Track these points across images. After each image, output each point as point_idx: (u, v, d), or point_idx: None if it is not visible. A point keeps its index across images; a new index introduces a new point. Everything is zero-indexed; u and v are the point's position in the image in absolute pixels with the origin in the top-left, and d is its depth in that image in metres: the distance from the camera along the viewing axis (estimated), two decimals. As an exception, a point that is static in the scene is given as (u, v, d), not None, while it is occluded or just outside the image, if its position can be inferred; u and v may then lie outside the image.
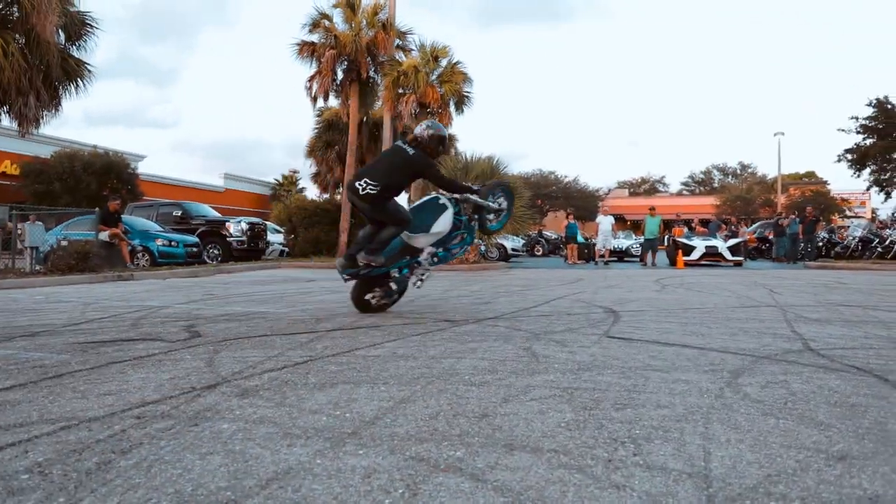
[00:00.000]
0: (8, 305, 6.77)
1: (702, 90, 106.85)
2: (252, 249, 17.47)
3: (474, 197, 5.67)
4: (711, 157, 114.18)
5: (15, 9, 12.56)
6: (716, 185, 65.40)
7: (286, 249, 20.33)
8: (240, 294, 8.07)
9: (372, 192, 5.25)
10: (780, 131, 44.31)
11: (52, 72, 12.95)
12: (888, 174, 16.98)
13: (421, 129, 5.56)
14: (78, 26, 13.72)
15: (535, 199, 38.40)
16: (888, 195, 18.13)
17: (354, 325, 4.99)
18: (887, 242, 18.34)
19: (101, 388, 2.88)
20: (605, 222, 18.50)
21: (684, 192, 67.88)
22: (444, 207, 5.65)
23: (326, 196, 29.04)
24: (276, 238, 20.74)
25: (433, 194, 5.88)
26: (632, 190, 66.10)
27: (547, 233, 29.79)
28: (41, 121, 13.39)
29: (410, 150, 5.48)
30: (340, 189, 28.45)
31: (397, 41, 19.25)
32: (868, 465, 1.88)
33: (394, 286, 5.69)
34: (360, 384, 2.96)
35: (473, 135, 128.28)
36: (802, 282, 10.41)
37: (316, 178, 29.41)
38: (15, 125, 13.33)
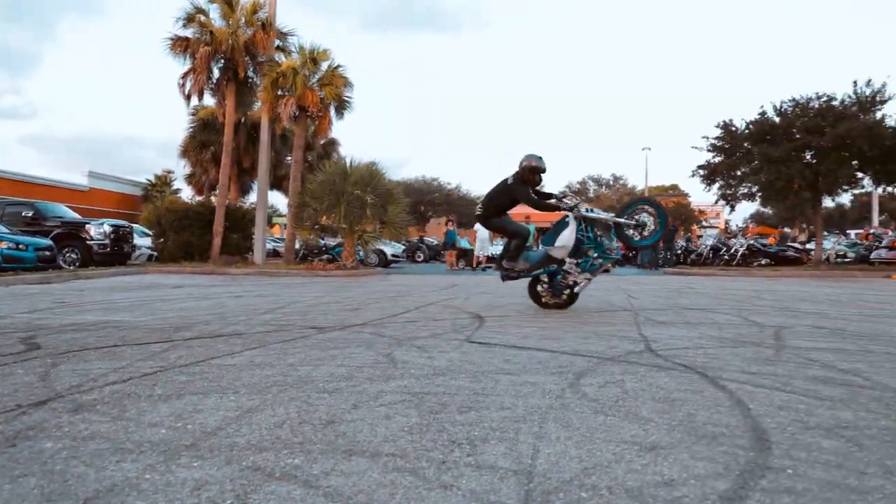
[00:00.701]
0: None
1: (579, 103, 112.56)
2: (116, 253, 16.33)
3: (593, 214, 6.56)
4: (588, 168, 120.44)
5: None
6: (591, 195, 68.97)
7: (155, 254, 19.19)
8: (96, 302, 7.54)
9: (478, 212, 7.03)
10: (648, 146, 47.54)
11: None
12: (732, 189, 18.73)
13: (520, 162, 6.69)
14: None
15: (417, 206, 38.75)
16: (732, 208, 20.01)
17: (215, 334, 4.83)
18: (732, 250, 20.23)
19: None
20: (482, 230, 18.98)
21: (561, 201, 70.99)
22: (565, 224, 6.56)
23: (201, 198, 27.77)
24: (143, 242, 19.54)
25: (567, 214, 6.67)
26: (512, 198, 68.25)
27: (428, 239, 30.12)
28: None
29: (510, 179, 6.72)
30: (216, 191, 27.29)
31: (277, 42, 18.77)
32: (671, 454, 2.08)
33: (553, 287, 6.70)
34: (209, 394, 2.88)
35: (358, 139, 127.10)
36: (659, 287, 11.23)
37: (190, 179, 28.03)
38: None
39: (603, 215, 6.62)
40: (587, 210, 6.61)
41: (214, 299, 7.97)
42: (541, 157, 6.75)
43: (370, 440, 2.23)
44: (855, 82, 17.78)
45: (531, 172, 6.67)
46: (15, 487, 1.77)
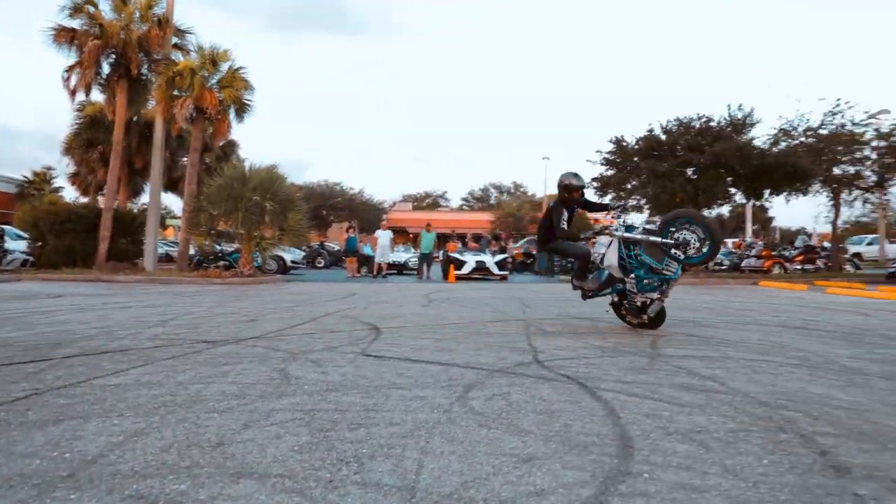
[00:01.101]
0: None
1: (484, 111, 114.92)
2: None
3: (628, 234, 6.30)
4: (490, 176, 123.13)
5: None
6: (492, 202, 70.61)
7: (31, 259, 17.83)
8: (-39, 314, 6.98)
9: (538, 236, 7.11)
10: (547, 156, 49.32)
11: None
12: (623, 201, 19.82)
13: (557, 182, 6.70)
14: None
15: (318, 210, 38.21)
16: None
17: (99, 350, 4.62)
18: (623, 259, 21.41)
19: None
20: (383, 237, 19.08)
21: (464, 207, 72.25)
22: (605, 245, 6.55)
23: (86, 200, 26.07)
24: (17, 245, 18.09)
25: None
26: (416, 204, 68.73)
27: (330, 244, 29.77)
28: None
29: (553, 202, 6.74)
30: (103, 192, 25.60)
31: (175, 39, 17.99)
32: (545, 464, 2.25)
33: (630, 307, 6.51)
34: (90, 418, 2.79)
35: (260, 141, 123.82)
36: (553, 296, 11.71)
37: (75, 178, 26.20)
38: None
39: (639, 235, 6.24)
40: (624, 229, 6.34)
41: (99, 311, 7.57)
42: (576, 174, 6.67)
43: (259, 461, 2.26)
44: (729, 106, 19.38)
45: (566, 191, 6.58)
46: None
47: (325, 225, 41.56)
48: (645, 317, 6.35)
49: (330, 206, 41.71)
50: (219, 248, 16.74)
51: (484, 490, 2.02)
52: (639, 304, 6.38)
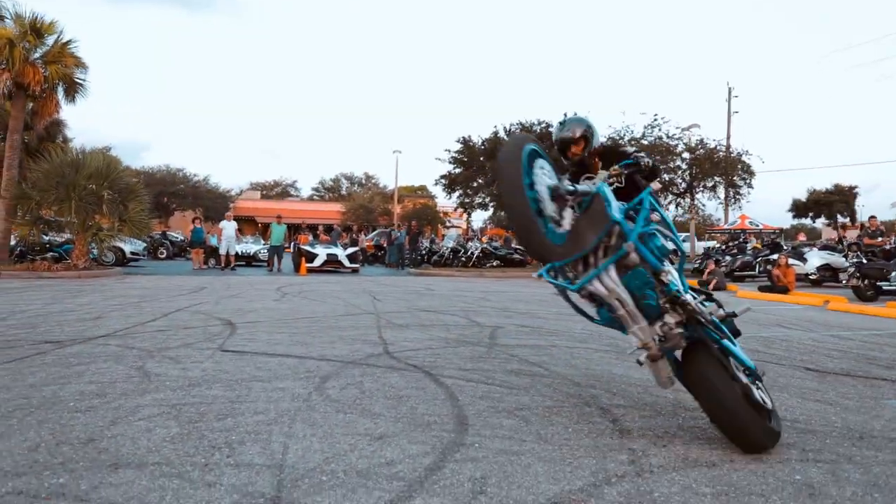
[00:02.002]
0: None
1: (334, 102, 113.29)
2: None
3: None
4: (341, 166, 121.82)
5: None
6: (343, 192, 70.23)
7: None
8: None
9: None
10: (399, 149, 50.06)
11: None
12: (470, 198, 20.93)
13: None
14: None
15: (160, 197, 35.99)
16: (469, 215, 22.33)
17: (-74, 353, 4.36)
18: (469, 252, 22.54)
19: None
20: (228, 227, 18.56)
21: (315, 197, 71.17)
22: None
23: None
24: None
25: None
26: (264, 193, 66.61)
27: (172, 234, 28.24)
28: None
29: None
30: None
31: (-14, 4, 16.17)
32: (394, 441, 2.67)
33: None
34: (-59, 423, 2.78)
35: (89, 119, 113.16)
36: (402, 289, 12.23)
37: None
38: None
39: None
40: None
41: None
42: (561, 122, 3.74)
43: (134, 452, 2.46)
44: (565, 113, 21.08)
45: (559, 152, 3.69)
46: None
47: (168, 213, 39.16)
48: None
49: (172, 193, 39.28)
50: (46, 238, 15.34)
51: (343, 463, 2.39)
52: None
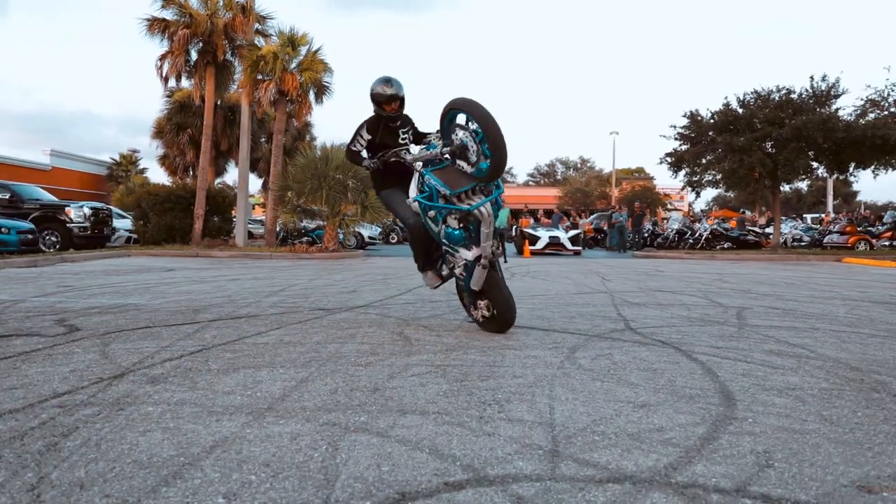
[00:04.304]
0: None
1: (549, 85, 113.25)
2: (96, 236, 16.40)
3: (414, 155, 4.51)
4: (556, 151, 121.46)
5: None
6: (559, 177, 70.08)
7: (133, 236, 19.23)
8: (99, 285, 7.84)
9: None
10: (615, 130, 48.66)
11: None
12: (698, 176, 19.55)
13: None
14: None
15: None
16: (698, 194, 20.93)
17: (233, 316, 5.24)
18: (696, 234, 21.17)
19: (3, 383, 3.00)
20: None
21: (531, 182, 72.01)
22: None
23: (173, 180, 27.64)
24: (121, 224, 19.56)
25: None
26: (483, 180, 68.91)
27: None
28: None
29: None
30: (190, 173, 27.22)
31: (257, 25, 18.84)
32: (659, 410, 2.63)
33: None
34: (259, 368, 3.33)
35: (330, 119, 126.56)
36: (629, 270, 11.89)
37: (164, 160, 27.89)
38: None
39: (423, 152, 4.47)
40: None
41: (212, 283, 8.32)
42: (387, 79, 4.50)
43: (415, 402, 2.72)
44: (812, 77, 18.71)
45: (375, 104, 4.55)
46: (148, 440, 2.22)
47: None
48: (481, 306, 4.45)
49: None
50: (302, 224, 17.60)
51: (612, 426, 2.41)
52: (456, 272, 4.54)
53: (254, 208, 33.44)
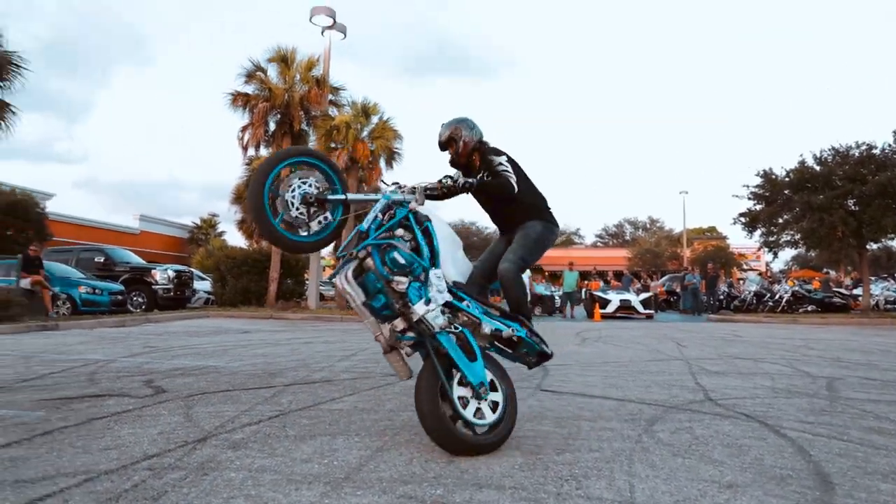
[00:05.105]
0: (-59, 359, 6.66)
1: (616, 145, 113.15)
2: (178, 298, 17.23)
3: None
4: (624, 212, 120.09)
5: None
6: (627, 237, 69.00)
7: (211, 297, 20.06)
8: (181, 346, 8.18)
9: None
10: (685, 190, 47.75)
11: (-25, 115, 12.67)
12: (775, 236, 18.85)
13: None
14: (4, 66, 13.52)
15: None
16: (776, 255, 20.12)
17: (308, 380, 5.35)
18: (777, 297, 20.24)
19: (99, 443, 3.16)
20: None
21: (598, 243, 71.11)
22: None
23: (250, 244, 28.85)
24: (201, 285, 20.47)
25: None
26: (550, 241, 68.56)
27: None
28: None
29: None
30: (266, 236, 28.13)
31: (330, 96, 19.83)
32: (748, 491, 2.50)
33: None
34: (335, 436, 3.37)
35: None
36: (705, 335, 11.47)
37: (241, 224, 29.24)
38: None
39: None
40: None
41: (286, 345, 8.53)
42: (443, 123, 3.96)
43: (490, 475, 2.69)
44: (895, 132, 17.97)
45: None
46: (234, 506, 2.28)
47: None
48: None
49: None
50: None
51: (697, 508, 2.31)
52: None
53: (324, 270, 34.37)
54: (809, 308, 19.84)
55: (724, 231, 58.08)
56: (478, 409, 3.10)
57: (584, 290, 20.85)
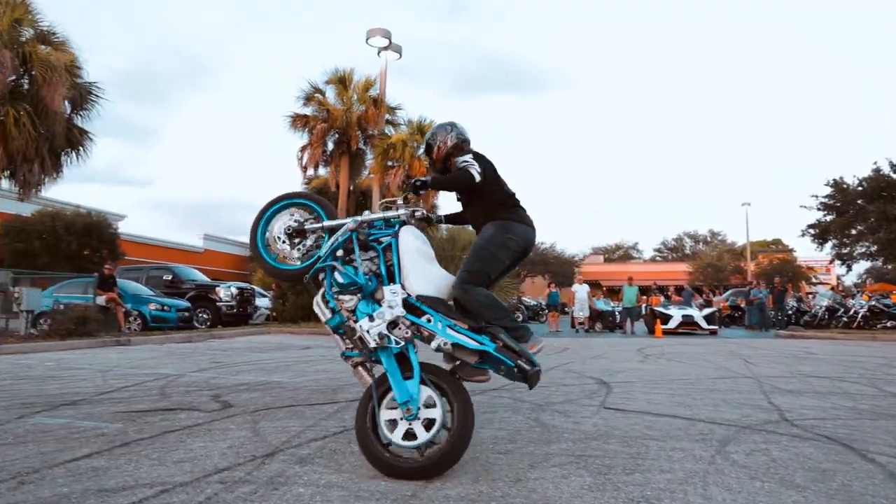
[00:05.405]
0: (25, 372, 7.02)
1: (673, 157, 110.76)
2: (241, 314, 17.72)
3: None
4: (682, 225, 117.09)
5: (26, 80, 13.14)
6: (687, 251, 67.24)
7: (273, 314, 20.53)
8: (245, 362, 8.38)
9: None
10: (747, 201, 46.11)
11: (56, 140, 13.44)
12: (848, 248, 18.02)
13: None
14: (84, 96, 14.30)
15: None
16: (849, 268, 19.23)
17: (370, 395, 5.38)
18: (852, 312, 19.26)
19: (173, 455, 3.25)
20: (580, 291, 19.21)
21: (657, 258, 69.57)
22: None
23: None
24: (262, 302, 20.97)
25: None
26: (606, 256, 67.52)
27: (526, 299, 30.35)
28: (42, 186, 13.78)
29: None
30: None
31: (387, 116, 20.18)
32: (836, 520, 2.36)
33: None
34: (400, 452, 3.37)
35: (453, 203, 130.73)
36: (774, 352, 11.01)
37: (300, 242, 29.96)
38: (15, 189, 13.75)
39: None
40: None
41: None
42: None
43: (559, 496, 2.63)
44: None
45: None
46: (304, 521, 2.30)
47: (519, 280, 42.49)
48: None
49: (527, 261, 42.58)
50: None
51: (781, 536, 2.19)
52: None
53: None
54: (888, 324, 18.79)
55: (791, 243, 55.96)
56: (408, 431, 2.95)
57: (644, 305, 20.37)
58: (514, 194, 3.70)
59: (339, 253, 3.40)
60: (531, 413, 4.58)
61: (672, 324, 17.59)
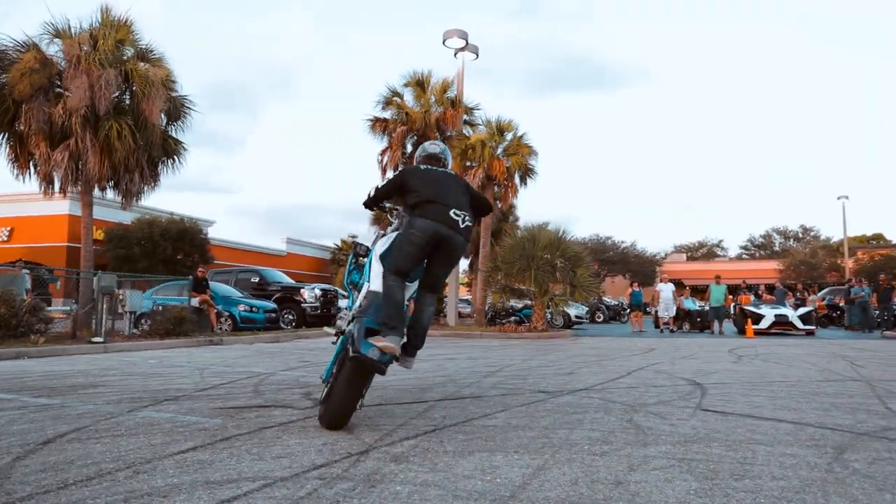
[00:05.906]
0: (131, 368, 7.45)
1: (761, 151, 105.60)
2: (324, 315, 18.19)
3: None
4: (770, 221, 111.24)
5: (127, 96, 13.99)
6: (776, 248, 64.01)
7: (354, 315, 21.00)
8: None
9: (470, 224, 4.07)
10: (844, 195, 43.32)
11: (154, 151, 14.23)
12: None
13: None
14: (178, 109, 15.08)
15: (593, 265, 38.51)
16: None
17: (458, 396, 5.37)
18: (969, 311, 17.75)
19: (271, 451, 3.33)
20: (665, 290, 18.63)
21: (744, 255, 66.55)
22: None
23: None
24: (344, 303, 21.49)
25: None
26: (689, 254, 65.21)
27: (606, 299, 29.70)
28: (141, 195, 14.63)
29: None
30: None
31: (465, 116, 20.22)
32: (983, 536, 2.14)
33: None
34: (493, 452, 3.33)
35: (529, 200, 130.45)
36: (884, 353, 10.28)
37: (379, 244, 30.48)
38: (118, 198, 14.68)
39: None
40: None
41: (431, 361, 8.68)
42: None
43: (664, 501, 2.52)
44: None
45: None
46: (405, 519, 2.29)
47: (600, 279, 41.79)
48: None
49: (602, 260, 41.74)
50: (510, 304, 17.98)
51: (920, 552, 2.01)
52: None
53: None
54: None
55: (894, 238, 52.28)
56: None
57: (732, 304, 19.50)
58: (425, 198, 3.99)
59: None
60: (623, 414, 4.44)
61: (764, 324, 16.75)
